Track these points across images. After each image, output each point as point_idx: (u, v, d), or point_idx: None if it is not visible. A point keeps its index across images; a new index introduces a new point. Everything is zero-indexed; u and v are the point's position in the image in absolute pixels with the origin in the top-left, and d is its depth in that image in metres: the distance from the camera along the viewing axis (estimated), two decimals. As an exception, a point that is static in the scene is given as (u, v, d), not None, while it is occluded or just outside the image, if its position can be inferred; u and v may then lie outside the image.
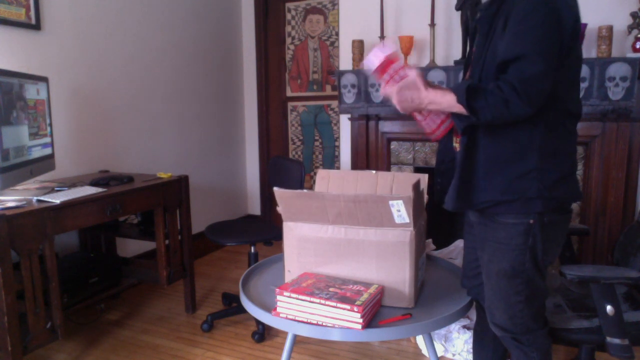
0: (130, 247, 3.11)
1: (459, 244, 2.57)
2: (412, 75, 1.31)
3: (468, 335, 2.16)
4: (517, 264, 1.33)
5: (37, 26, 2.49)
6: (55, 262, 1.96)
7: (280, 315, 1.36)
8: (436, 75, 2.78)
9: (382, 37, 3.01)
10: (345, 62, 3.28)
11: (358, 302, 1.29)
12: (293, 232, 1.52)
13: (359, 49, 3.04)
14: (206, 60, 3.79)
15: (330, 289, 1.36)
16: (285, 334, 2.44)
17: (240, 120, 4.29)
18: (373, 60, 1.38)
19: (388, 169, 3.13)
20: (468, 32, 2.79)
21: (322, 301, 1.30)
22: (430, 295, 1.56)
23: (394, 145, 3.12)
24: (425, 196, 1.69)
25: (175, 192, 2.58)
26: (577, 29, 1.25)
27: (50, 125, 2.29)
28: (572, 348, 2.18)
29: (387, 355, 2.29)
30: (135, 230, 2.75)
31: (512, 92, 1.18)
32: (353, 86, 3.02)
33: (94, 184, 2.27)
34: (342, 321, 1.29)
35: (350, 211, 1.41)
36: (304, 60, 4.07)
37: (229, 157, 4.15)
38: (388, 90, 1.34)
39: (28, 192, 2.07)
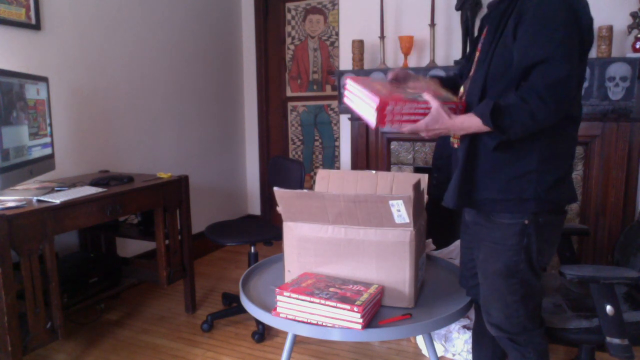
0: (130, 247, 3.11)
1: (459, 243, 2.57)
2: (434, 107, 1.27)
3: (468, 335, 2.16)
4: (512, 264, 1.33)
5: (37, 26, 2.49)
6: (55, 262, 1.96)
7: (280, 315, 1.36)
8: (436, 75, 2.77)
9: (382, 37, 3.01)
10: (345, 62, 3.28)
11: (358, 302, 1.29)
12: (293, 232, 1.52)
13: (359, 49, 3.04)
14: (206, 60, 3.79)
15: (330, 289, 1.36)
16: (285, 334, 2.44)
17: (240, 120, 4.29)
18: (369, 118, 1.30)
19: (388, 169, 3.13)
20: (468, 32, 2.79)
21: (322, 301, 1.30)
22: (430, 295, 1.56)
23: (394, 145, 3.12)
24: (425, 196, 1.69)
25: (175, 192, 2.58)
26: (592, 32, 1.25)
27: (50, 125, 2.29)
28: (572, 348, 2.18)
29: (387, 355, 2.29)
30: (135, 230, 2.75)
31: (538, 101, 1.16)
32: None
33: (94, 184, 2.27)
34: (342, 321, 1.29)
35: (350, 211, 1.42)
36: (304, 60, 4.07)
37: (229, 157, 4.15)
38: (412, 127, 1.29)
39: (28, 192, 2.07)
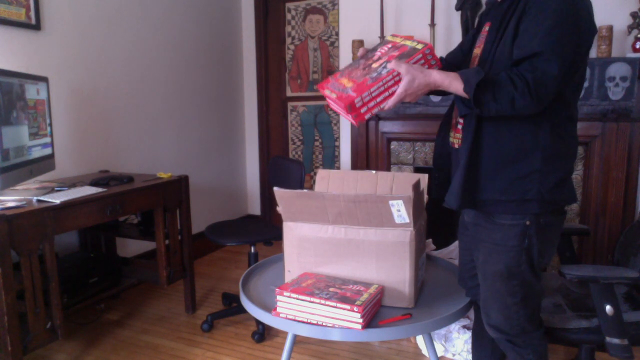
0: (130, 247, 3.11)
1: (458, 243, 2.57)
2: (403, 70, 1.25)
3: (468, 335, 2.16)
4: (513, 265, 1.33)
5: (37, 26, 2.49)
6: (55, 262, 1.96)
7: (280, 315, 1.36)
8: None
9: (382, 37, 3.01)
10: (345, 62, 3.28)
11: (358, 302, 1.29)
12: (293, 232, 1.52)
13: (359, 49, 3.04)
14: (206, 60, 3.79)
15: (330, 289, 1.36)
16: (285, 334, 2.44)
17: (240, 120, 4.29)
18: (349, 119, 1.32)
19: (388, 169, 3.13)
20: (468, 32, 2.79)
21: (322, 301, 1.30)
22: (430, 295, 1.56)
23: (394, 145, 3.12)
24: (425, 196, 1.69)
25: (175, 192, 2.58)
26: (593, 36, 1.25)
27: (50, 125, 2.29)
28: (572, 348, 2.18)
29: (387, 355, 2.29)
30: (135, 230, 2.75)
31: (524, 89, 1.16)
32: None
33: (94, 184, 2.27)
34: (342, 321, 1.29)
35: (350, 211, 1.42)
36: (304, 60, 4.07)
37: (229, 157, 4.15)
38: (393, 101, 1.28)
39: (28, 192, 2.07)
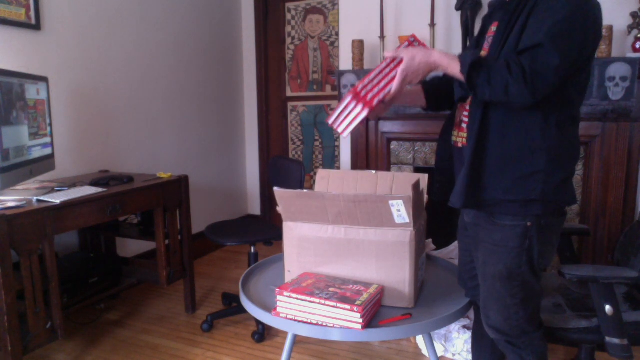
0: (130, 247, 3.11)
1: (458, 243, 2.57)
2: (401, 51, 1.29)
3: (468, 335, 2.16)
4: (514, 267, 1.32)
5: (37, 26, 2.49)
6: (55, 262, 1.96)
7: (280, 315, 1.36)
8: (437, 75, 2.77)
9: (382, 37, 3.01)
10: (345, 62, 3.28)
11: (358, 302, 1.29)
12: (293, 232, 1.52)
13: (359, 49, 3.04)
14: (206, 60, 3.79)
15: (330, 289, 1.36)
16: (285, 334, 2.44)
17: (240, 120, 4.29)
18: (358, 112, 1.34)
19: (388, 169, 3.13)
20: (468, 32, 2.79)
21: (322, 301, 1.30)
22: (430, 295, 1.56)
23: (394, 145, 3.12)
24: (425, 196, 1.69)
25: (175, 192, 2.58)
26: (599, 39, 1.24)
27: (50, 125, 2.29)
28: (572, 348, 2.18)
29: (387, 355, 2.29)
30: (135, 230, 2.75)
31: (519, 75, 1.15)
32: (353, 86, 3.01)
33: (94, 184, 2.27)
34: (342, 321, 1.29)
35: (350, 211, 1.42)
36: (304, 60, 4.07)
37: (229, 157, 4.15)
38: (397, 83, 1.29)
39: (28, 192, 2.07)
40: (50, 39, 2.58)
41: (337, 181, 1.86)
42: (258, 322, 2.46)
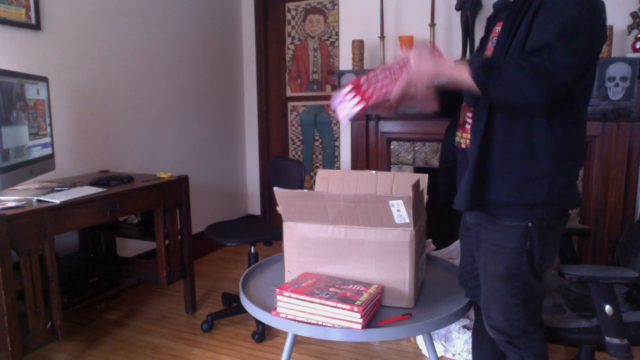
0: (130, 247, 3.11)
1: (459, 244, 2.57)
2: (414, 47, 1.22)
3: (468, 335, 2.16)
4: (514, 267, 1.32)
5: (37, 26, 2.49)
6: (55, 262, 1.96)
7: (280, 315, 1.36)
8: (436, 75, 2.78)
9: (382, 37, 3.01)
10: (345, 62, 3.28)
11: (358, 302, 1.28)
12: (293, 232, 1.52)
13: (359, 49, 3.04)
14: (206, 60, 3.79)
15: (330, 289, 1.36)
16: (285, 334, 2.44)
17: (240, 120, 4.29)
18: (354, 104, 1.29)
19: (388, 169, 3.13)
20: (468, 32, 2.79)
21: (322, 301, 1.30)
22: (430, 295, 1.56)
23: (394, 145, 3.12)
24: (425, 196, 1.69)
25: (175, 192, 2.58)
26: (605, 39, 1.23)
27: (50, 125, 2.29)
28: (572, 348, 2.18)
29: (387, 355, 2.29)
30: (135, 230, 2.75)
31: (532, 74, 1.12)
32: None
33: (94, 184, 2.27)
34: (342, 321, 1.29)
35: (350, 211, 1.41)
36: (304, 60, 4.07)
37: (229, 157, 4.15)
38: (402, 83, 1.24)
39: (28, 192, 2.07)
40: (50, 39, 2.58)
41: (337, 181, 1.86)
42: (258, 322, 2.46)
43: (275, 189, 1.46)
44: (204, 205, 3.77)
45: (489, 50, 1.37)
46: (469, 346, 2.15)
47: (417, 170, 3.04)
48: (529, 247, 1.30)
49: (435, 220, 2.41)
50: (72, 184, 2.31)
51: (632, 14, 2.47)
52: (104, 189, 2.20)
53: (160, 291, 3.06)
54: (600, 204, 2.59)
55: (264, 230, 2.62)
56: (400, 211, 1.36)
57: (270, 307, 1.42)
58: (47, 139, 2.27)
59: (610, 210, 2.57)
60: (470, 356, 2.15)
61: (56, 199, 1.96)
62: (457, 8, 2.85)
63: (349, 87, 1.29)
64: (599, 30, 1.19)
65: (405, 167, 3.11)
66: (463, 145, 1.40)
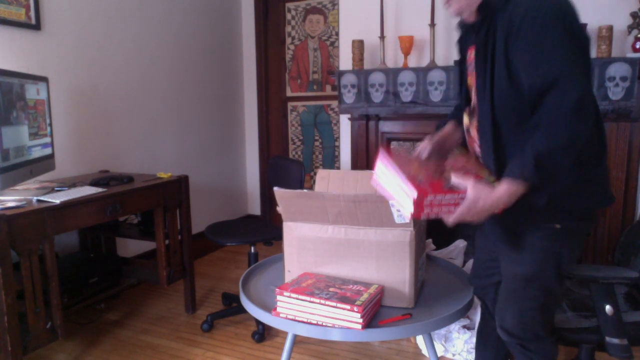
0: (130, 247, 3.11)
1: (459, 244, 2.57)
2: (470, 185, 1.18)
3: (468, 335, 2.16)
4: (537, 270, 1.29)
5: (37, 26, 2.49)
6: (55, 262, 1.96)
7: (280, 315, 1.36)
8: (436, 75, 2.78)
9: (382, 37, 3.01)
10: (345, 62, 3.28)
11: (358, 302, 1.29)
12: (293, 232, 1.52)
13: (359, 49, 3.04)
14: (206, 60, 3.79)
15: (330, 289, 1.36)
16: (285, 334, 2.44)
17: (240, 120, 4.29)
18: (404, 207, 1.23)
19: (388, 169, 3.12)
20: (468, 32, 2.79)
21: (322, 301, 1.30)
22: (430, 295, 1.56)
23: (394, 145, 3.12)
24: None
25: (175, 192, 2.58)
26: (587, 35, 1.19)
27: (50, 125, 2.29)
28: (572, 348, 2.18)
29: (387, 355, 2.29)
30: (135, 230, 2.75)
31: (564, 131, 1.08)
32: (353, 86, 3.02)
33: (94, 184, 2.27)
34: (342, 321, 1.29)
35: (350, 211, 1.42)
36: (304, 60, 4.07)
37: (229, 157, 4.15)
38: (455, 217, 1.21)
39: (28, 192, 2.07)
40: (50, 39, 2.58)
41: (337, 181, 1.86)
42: (258, 322, 2.46)
43: (275, 189, 1.47)
44: (204, 205, 3.77)
45: (471, 77, 1.33)
46: (469, 346, 2.15)
47: (417, 170, 3.03)
48: (555, 250, 1.27)
49: (435, 220, 2.41)
50: (72, 184, 2.31)
51: (632, 14, 2.47)
52: (104, 189, 2.20)
53: (160, 291, 3.06)
54: (600, 204, 2.59)
55: (264, 230, 2.62)
56: (400, 211, 1.36)
57: (270, 307, 1.42)
58: (47, 139, 2.27)
59: (610, 210, 2.57)
60: (470, 356, 2.15)
61: (56, 199, 1.96)
62: (457, 8, 2.85)
63: (412, 193, 1.18)
64: (578, 33, 1.15)
65: (405, 167, 3.10)
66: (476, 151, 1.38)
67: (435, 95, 2.80)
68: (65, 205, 1.97)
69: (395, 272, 1.43)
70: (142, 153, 3.22)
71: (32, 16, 2.46)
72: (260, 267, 1.83)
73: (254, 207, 4.44)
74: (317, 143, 4.14)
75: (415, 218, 1.23)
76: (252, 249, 2.58)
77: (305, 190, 1.44)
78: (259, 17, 4.13)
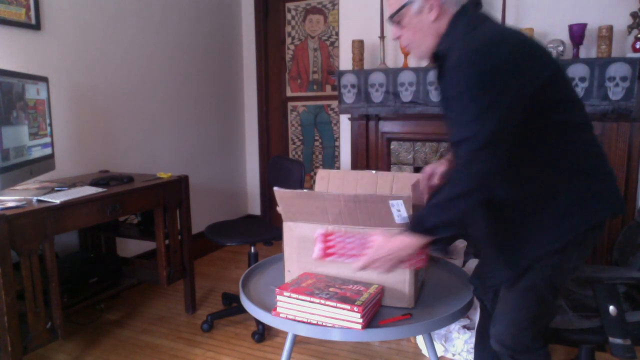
0: (130, 247, 3.11)
1: (459, 244, 2.57)
2: (377, 233, 1.30)
3: (468, 335, 2.16)
4: (537, 280, 1.27)
5: (37, 26, 2.49)
6: (55, 262, 1.96)
7: (280, 315, 1.36)
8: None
9: (382, 37, 3.01)
10: (345, 62, 3.28)
11: (358, 302, 1.28)
12: (293, 232, 1.52)
13: (359, 49, 3.04)
14: (206, 60, 3.79)
15: (330, 289, 1.36)
16: (285, 334, 2.44)
17: (240, 120, 4.29)
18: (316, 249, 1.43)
19: (388, 169, 3.13)
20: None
21: (322, 301, 1.30)
22: (430, 295, 1.56)
23: (394, 145, 3.12)
24: (425, 196, 1.69)
25: (175, 192, 2.58)
26: (536, 63, 1.16)
27: (50, 125, 2.29)
28: (572, 348, 2.18)
29: (387, 355, 2.29)
30: (135, 230, 2.75)
31: (455, 187, 1.15)
32: (353, 86, 3.02)
33: (94, 184, 2.27)
34: (342, 321, 1.29)
35: (351, 211, 1.41)
36: (304, 60, 4.07)
37: (229, 157, 4.15)
38: (360, 262, 1.30)
39: (28, 192, 2.07)
40: (50, 39, 2.58)
41: (337, 181, 1.86)
42: (258, 322, 2.46)
43: (275, 189, 1.46)
44: (204, 205, 3.77)
45: None
46: (469, 346, 2.15)
47: (417, 170, 3.04)
48: (557, 262, 1.25)
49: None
50: (72, 184, 2.31)
51: (632, 14, 2.47)
52: (104, 189, 2.20)
53: (160, 291, 3.06)
54: (600, 204, 2.59)
55: (264, 230, 2.62)
56: (400, 211, 1.36)
57: (270, 307, 1.42)
58: (47, 139, 2.27)
59: (610, 210, 2.56)
60: (470, 356, 2.15)
61: (56, 199, 1.95)
62: (457, 8, 2.85)
63: (320, 237, 1.41)
64: (513, 72, 1.12)
65: (405, 167, 3.11)
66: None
67: (435, 95, 2.80)
68: (65, 205, 1.97)
69: (395, 272, 1.43)
70: (142, 153, 3.22)
71: (32, 16, 2.46)
72: (260, 267, 1.83)
73: (254, 207, 4.44)
74: (317, 143, 4.14)
75: (319, 257, 1.42)
76: (252, 249, 2.58)
77: (305, 190, 1.44)
78: (259, 17, 4.13)
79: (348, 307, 1.28)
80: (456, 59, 1.15)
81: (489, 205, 1.29)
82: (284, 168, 2.70)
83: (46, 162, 2.26)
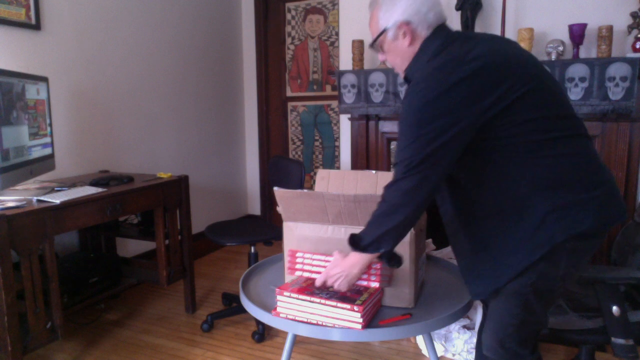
0: (130, 247, 3.11)
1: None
2: (335, 253, 1.36)
3: (468, 335, 2.16)
4: (520, 285, 1.24)
5: (37, 26, 2.49)
6: (55, 262, 1.96)
7: (280, 315, 1.36)
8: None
9: (382, 37, 3.00)
10: (345, 62, 3.28)
11: (358, 302, 1.28)
12: (293, 232, 1.52)
13: (359, 49, 3.04)
14: (206, 60, 3.79)
15: (330, 289, 1.36)
16: (285, 334, 2.44)
17: (240, 120, 4.29)
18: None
19: (388, 169, 3.13)
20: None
21: (322, 301, 1.30)
22: (430, 295, 1.56)
23: (394, 145, 3.11)
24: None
25: (175, 192, 2.58)
26: (493, 90, 1.14)
27: (50, 125, 2.29)
28: (572, 348, 2.18)
29: (387, 355, 2.29)
30: (135, 230, 2.75)
31: (386, 205, 1.21)
32: (353, 86, 3.01)
33: (94, 184, 2.27)
34: (342, 321, 1.29)
35: (350, 211, 1.41)
36: (304, 60, 4.07)
37: (229, 157, 4.15)
38: (320, 277, 1.36)
39: (28, 192, 2.07)
40: (50, 39, 2.58)
41: (337, 181, 1.86)
42: (258, 322, 2.46)
43: (275, 189, 1.46)
44: (204, 205, 3.77)
45: None
46: (469, 346, 2.15)
47: (417, 170, 3.03)
48: (541, 269, 1.22)
49: (435, 220, 2.41)
50: (72, 184, 2.31)
51: (632, 14, 2.47)
52: (104, 189, 2.20)
53: (160, 291, 3.05)
54: (600, 204, 2.58)
55: (264, 230, 2.62)
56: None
57: (270, 307, 1.42)
58: (47, 139, 2.27)
59: (610, 210, 2.56)
60: (470, 356, 2.15)
61: (56, 199, 1.95)
62: (457, 8, 2.85)
63: (288, 256, 1.50)
64: (463, 95, 1.13)
65: (405, 167, 3.10)
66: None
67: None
68: (65, 205, 1.97)
69: (395, 272, 1.43)
70: (142, 153, 3.22)
71: (32, 16, 2.46)
72: (260, 267, 1.83)
73: (254, 207, 4.44)
74: (317, 143, 4.14)
75: (290, 272, 1.50)
76: (252, 249, 2.58)
77: (305, 190, 1.44)
78: (259, 17, 4.13)
79: (348, 306, 1.28)
80: (412, 83, 1.20)
81: (467, 220, 1.33)
82: (284, 168, 2.70)
83: (46, 162, 2.26)
